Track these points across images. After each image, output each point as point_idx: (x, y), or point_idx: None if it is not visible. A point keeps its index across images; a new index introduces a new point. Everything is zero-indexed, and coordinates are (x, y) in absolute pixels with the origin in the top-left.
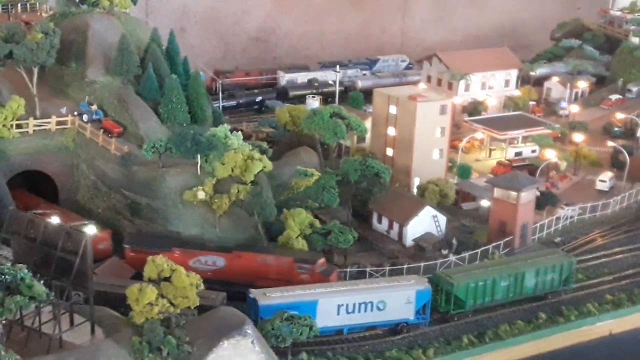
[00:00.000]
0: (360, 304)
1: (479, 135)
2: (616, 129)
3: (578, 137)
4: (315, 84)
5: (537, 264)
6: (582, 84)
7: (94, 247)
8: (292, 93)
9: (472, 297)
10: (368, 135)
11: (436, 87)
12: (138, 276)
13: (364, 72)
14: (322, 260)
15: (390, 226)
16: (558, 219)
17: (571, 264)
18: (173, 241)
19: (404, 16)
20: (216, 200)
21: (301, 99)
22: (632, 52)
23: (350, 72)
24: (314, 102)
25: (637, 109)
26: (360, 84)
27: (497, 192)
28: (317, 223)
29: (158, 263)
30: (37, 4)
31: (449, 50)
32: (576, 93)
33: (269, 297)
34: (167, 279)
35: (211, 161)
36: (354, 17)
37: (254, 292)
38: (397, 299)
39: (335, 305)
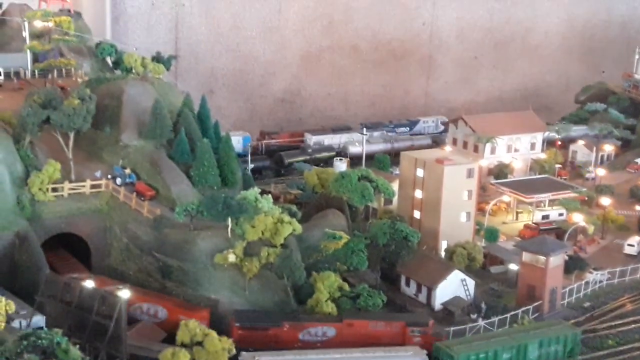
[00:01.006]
0: None
1: (505, 198)
2: None
3: (605, 200)
4: (309, 150)
5: (541, 336)
6: (608, 148)
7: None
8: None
9: None
10: (395, 198)
11: (462, 149)
12: (169, 339)
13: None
14: (432, 321)
15: (419, 289)
16: (587, 283)
17: (576, 336)
18: (281, 315)
19: (427, 78)
20: (246, 264)
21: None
22: None
23: (376, 133)
24: (341, 165)
25: None
26: (351, 149)
27: (526, 256)
28: (345, 286)
29: (190, 327)
30: (73, 69)
31: (472, 112)
32: (602, 156)
33: None
34: (199, 343)
35: (242, 224)
36: (378, 78)
37: (244, 355)
38: None
39: None
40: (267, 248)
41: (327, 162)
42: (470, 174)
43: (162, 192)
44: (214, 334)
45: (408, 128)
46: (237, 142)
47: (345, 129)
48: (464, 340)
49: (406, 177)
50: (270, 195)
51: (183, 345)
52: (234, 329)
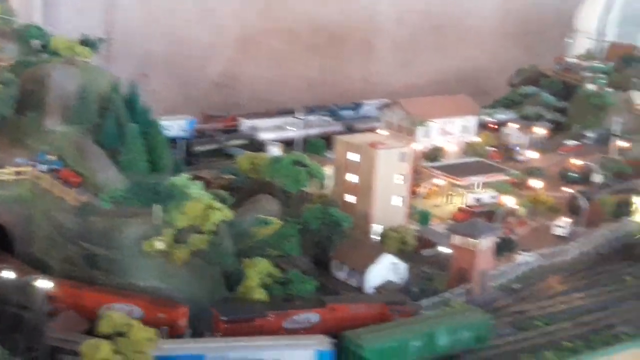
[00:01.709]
0: None
1: (439, 181)
2: (572, 174)
3: (535, 182)
4: (221, 139)
5: (451, 323)
6: (540, 130)
7: (175, 323)
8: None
9: (383, 358)
10: (329, 182)
11: (397, 133)
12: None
13: (327, 118)
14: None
15: (351, 274)
16: (517, 265)
17: (486, 321)
18: (266, 305)
19: (367, 62)
20: (175, 251)
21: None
22: (588, 98)
23: (312, 117)
24: (275, 149)
25: (592, 155)
26: (262, 136)
27: (457, 239)
28: (276, 272)
29: (113, 318)
30: None
31: (412, 96)
32: (534, 139)
33: (159, 349)
34: (122, 334)
35: (170, 211)
36: (317, 62)
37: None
38: (294, 359)
39: None
40: (197, 235)
41: (260, 148)
42: (403, 157)
43: (88, 179)
44: (137, 324)
45: (353, 111)
46: (182, 125)
47: (287, 112)
48: (373, 329)
49: (340, 161)
50: (201, 181)
51: (105, 336)
52: (218, 323)
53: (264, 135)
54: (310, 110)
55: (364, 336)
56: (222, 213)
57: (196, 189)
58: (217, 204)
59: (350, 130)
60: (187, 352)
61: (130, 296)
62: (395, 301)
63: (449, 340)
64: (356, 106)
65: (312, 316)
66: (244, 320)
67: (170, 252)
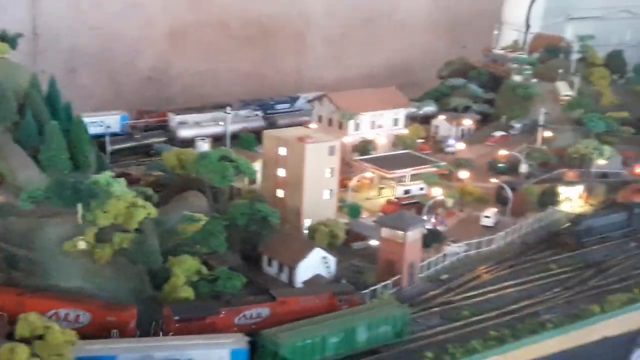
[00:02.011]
0: None
1: (368, 174)
2: (500, 165)
3: (463, 174)
4: (137, 136)
5: (369, 317)
6: (468, 122)
7: (126, 325)
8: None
9: (300, 356)
10: (259, 177)
11: (327, 126)
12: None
13: (257, 112)
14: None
15: (281, 269)
16: (445, 256)
17: (404, 315)
18: (219, 303)
19: (298, 55)
20: (98, 250)
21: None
22: (514, 89)
23: (242, 112)
24: (203, 145)
25: (519, 145)
26: (181, 132)
27: (385, 232)
28: (203, 270)
29: (30, 320)
30: None
31: (343, 89)
32: (462, 131)
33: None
34: (40, 337)
35: (93, 210)
36: (249, 55)
37: None
38: (207, 358)
39: None
40: (120, 233)
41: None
42: (332, 151)
43: (7, 178)
44: (55, 326)
45: (289, 105)
46: (115, 121)
47: (222, 106)
48: (292, 326)
49: (269, 156)
50: (124, 179)
51: (23, 340)
52: (170, 323)
53: (188, 132)
54: (246, 104)
55: (281, 334)
56: (146, 210)
57: (119, 187)
58: (141, 202)
59: (284, 124)
60: (98, 353)
61: (77, 301)
62: (343, 291)
63: (368, 335)
64: (292, 100)
65: (262, 311)
66: (195, 319)
67: (93, 252)
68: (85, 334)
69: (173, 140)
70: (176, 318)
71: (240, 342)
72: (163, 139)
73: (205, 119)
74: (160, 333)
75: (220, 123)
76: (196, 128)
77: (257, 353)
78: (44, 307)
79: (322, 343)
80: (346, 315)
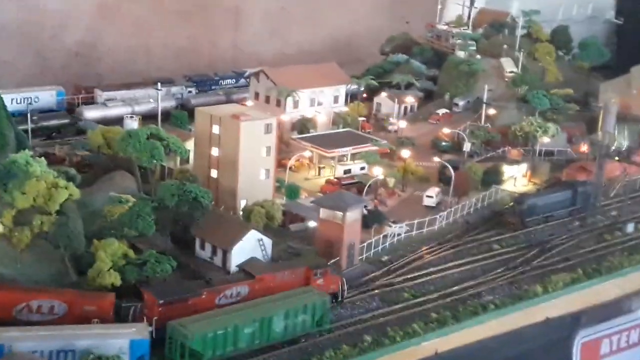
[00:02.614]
0: (59, 353)
1: (307, 153)
2: (444, 143)
3: (405, 152)
4: (34, 117)
5: (286, 306)
6: (410, 99)
7: (105, 313)
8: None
9: (211, 348)
10: (192, 157)
11: (264, 104)
12: None
13: (190, 89)
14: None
15: (214, 252)
16: (385, 237)
17: (324, 303)
18: (198, 284)
19: (235, 30)
20: (16, 234)
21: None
22: (457, 66)
23: (174, 89)
24: (132, 123)
25: (463, 123)
26: (86, 114)
27: (323, 213)
28: (131, 253)
29: None
30: None
31: (283, 65)
32: (405, 108)
33: None
34: None
35: (11, 191)
36: (183, 30)
37: None
38: (105, 349)
39: (29, 353)
40: (41, 216)
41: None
42: (268, 129)
43: None
44: None
45: (234, 80)
46: (50, 96)
47: (164, 82)
48: (203, 316)
49: (202, 134)
50: (43, 158)
51: None
52: (153, 307)
53: (94, 113)
54: (188, 79)
55: (190, 325)
56: (69, 191)
57: (39, 167)
58: (63, 182)
59: (226, 100)
60: None
61: (50, 291)
62: (317, 265)
63: (286, 325)
64: (237, 75)
65: (241, 289)
66: (178, 301)
67: (11, 235)
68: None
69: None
70: (160, 302)
71: (141, 332)
72: (65, 121)
73: (139, 95)
74: (144, 319)
75: (151, 100)
76: (136, 104)
77: (166, 345)
78: (12, 300)
79: (235, 334)
80: (261, 304)
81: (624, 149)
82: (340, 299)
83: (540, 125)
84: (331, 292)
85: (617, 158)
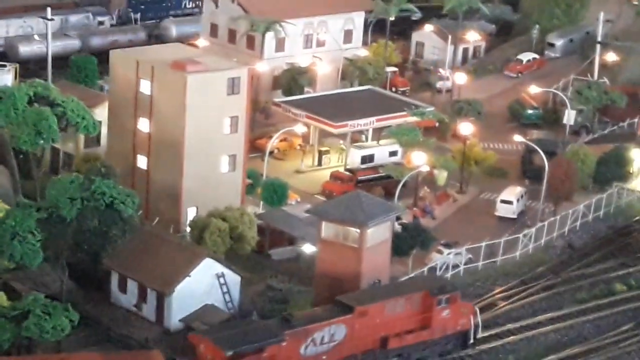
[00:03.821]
0: None
1: (300, 128)
2: (530, 111)
3: (466, 127)
4: None
5: None
6: (474, 36)
7: None
8: None
9: None
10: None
11: (228, 44)
12: None
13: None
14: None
15: (143, 297)
16: (433, 269)
17: None
18: (277, 325)
19: None
20: None
21: None
22: None
23: (74, 18)
24: (3, 76)
25: (564, 77)
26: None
27: (327, 230)
28: (2, 299)
29: None
30: None
31: None
32: (465, 51)
33: None
34: None
35: None
36: None
37: None
38: None
39: None
40: None
41: None
42: (234, 87)
43: None
44: None
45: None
46: None
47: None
48: None
49: (122, 95)
50: None
51: None
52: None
53: None
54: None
55: None
56: None
57: None
58: None
59: (156, 39)
60: None
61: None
62: (442, 288)
63: None
64: None
65: (336, 329)
66: (251, 354)
67: None
68: None
69: None
70: (229, 354)
71: None
72: None
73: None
74: None
75: (35, 37)
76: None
77: None
78: None
79: None
80: None
81: None
82: (472, 340)
83: None
84: (461, 330)
85: None
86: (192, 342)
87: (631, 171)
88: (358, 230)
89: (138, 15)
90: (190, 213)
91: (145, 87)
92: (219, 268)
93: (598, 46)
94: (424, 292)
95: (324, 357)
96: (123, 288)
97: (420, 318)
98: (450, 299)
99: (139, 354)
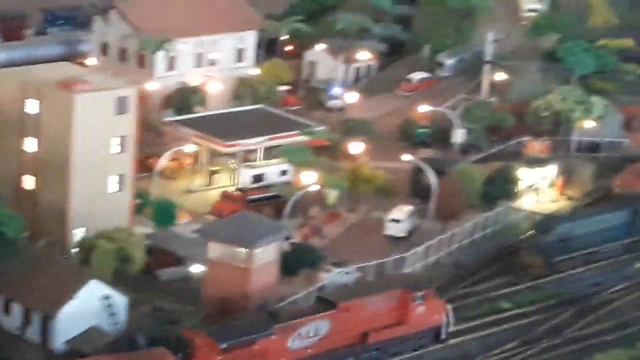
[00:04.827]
0: None
1: (190, 147)
2: (420, 130)
3: (357, 146)
4: None
5: None
6: (365, 56)
7: None
8: None
9: None
10: None
11: (118, 63)
12: None
13: None
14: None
15: (27, 319)
16: (322, 289)
17: None
18: (266, 320)
19: None
20: None
21: None
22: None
23: None
24: None
25: (453, 96)
26: None
27: (215, 250)
28: None
29: None
30: None
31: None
32: (356, 71)
33: None
34: None
35: None
36: None
37: None
38: None
39: None
40: None
41: None
42: (122, 106)
43: None
44: None
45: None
46: None
47: None
48: None
49: (5, 115)
50: None
51: None
52: (211, 354)
53: None
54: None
55: None
56: None
57: None
58: None
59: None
60: None
61: None
62: (415, 284)
63: None
64: (71, 13)
65: (320, 324)
66: (243, 345)
67: None
68: None
69: None
70: (223, 346)
71: None
72: None
73: None
74: None
75: None
76: None
77: None
78: None
79: None
80: None
81: None
82: (444, 337)
83: (580, 101)
84: (434, 326)
85: None
86: (187, 337)
87: (518, 189)
88: (246, 251)
89: (55, 30)
90: (79, 234)
91: (31, 106)
92: (105, 290)
93: (487, 65)
94: (401, 289)
95: (309, 350)
96: (6, 310)
97: (398, 314)
98: (425, 296)
99: (147, 354)
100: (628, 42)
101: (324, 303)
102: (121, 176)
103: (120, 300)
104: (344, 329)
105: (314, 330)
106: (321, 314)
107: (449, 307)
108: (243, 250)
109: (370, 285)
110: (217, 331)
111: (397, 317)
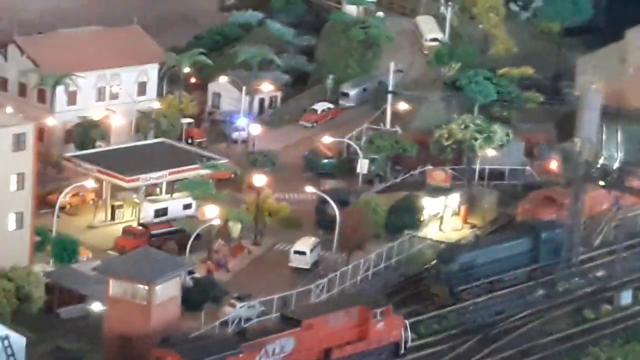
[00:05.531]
0: None
1: (91, 183)
2: (324, 161)
3: (260, 179)
4: None
5: None
6: (268, 87)
7: None
8: None
9: None
10: None
11: (17, 98)
12: None
13: None
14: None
15: None
16: (225, 324)
17: None
18: (234, 339)
19: None
20: None
21: None
22: (346, 30)
23: None
24: None
25: (356, 126)
26: None
27: (115, 287)
28: None
29: None
30: None
31: (51, 30)
32: (260, 102)
33: None
34: None
35: None
36: None
37: None
38: None
39: None
40: None
41: None
42: (19, 143)
43: None
44: None
45: None
46: None
47: None
48: None
49: None
50: None
51: None
52: None
53: None
54: None
55: None
56: None
57: None
58: None
59: None
60: None
61: None
62: (373, 301)
63: None
64: None
65: (286, 342)
66: None
67: None
68: None
69: None
70: None
71: None
72: None
73: None
74: None
75: None
76: None
77: None
78: None
79: None
80: None
81: (615, 166)
82: (403, 352)
83: (481, 129)
84: (393, 341)
85: (603, 182)
86: (158, 356)
87: (422, 219)
88: (146, 287)
89: None
90: None
91: None
92: (3, 330)
93: (390, 95)
94: (361, 306)
95: None
96: None
97: (359, 330)
98: (384, 312)
99: None
100: (528, 70)
101: (288, 321)
102: (19, 214)
103: (18, 340)
104: (308, 346)
105: (280, 347)
106: (287, 332)
107: (407, 322)
108: (143, 287)
109: (331, 302)
110: (187, 349)
111: (358, 333)
